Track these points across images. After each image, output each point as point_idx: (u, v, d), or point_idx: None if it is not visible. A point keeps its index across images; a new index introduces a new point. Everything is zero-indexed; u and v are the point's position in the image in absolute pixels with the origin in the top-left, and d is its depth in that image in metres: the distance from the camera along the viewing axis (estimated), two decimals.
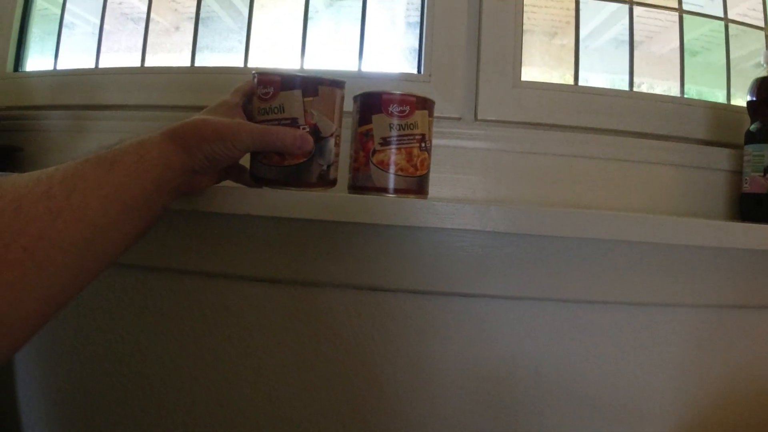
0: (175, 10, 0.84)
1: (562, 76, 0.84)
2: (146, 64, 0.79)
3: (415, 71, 0.74)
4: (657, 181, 0.72)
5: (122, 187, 0.35)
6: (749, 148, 0.67)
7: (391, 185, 0.48)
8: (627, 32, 0.82)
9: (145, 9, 0.80)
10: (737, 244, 0.50)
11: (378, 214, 0.45)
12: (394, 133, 0.48)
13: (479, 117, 0.71)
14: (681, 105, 0.77)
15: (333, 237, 0.53)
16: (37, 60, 0.83)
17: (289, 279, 0.55)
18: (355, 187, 0.50)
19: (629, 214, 0.50)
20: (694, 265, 0.56)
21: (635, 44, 0.82)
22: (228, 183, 0.50)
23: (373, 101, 0.48)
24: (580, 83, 0.80)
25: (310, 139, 0.45)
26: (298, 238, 0.54)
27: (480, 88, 0.71)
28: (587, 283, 0.55)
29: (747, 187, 0.67)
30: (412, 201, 0.47)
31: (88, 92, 0.76)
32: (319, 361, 0.55)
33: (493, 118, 0.72)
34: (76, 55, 0.81)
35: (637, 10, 0.82)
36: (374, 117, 0.48)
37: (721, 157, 0.73)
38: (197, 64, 0.78)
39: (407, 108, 0.48)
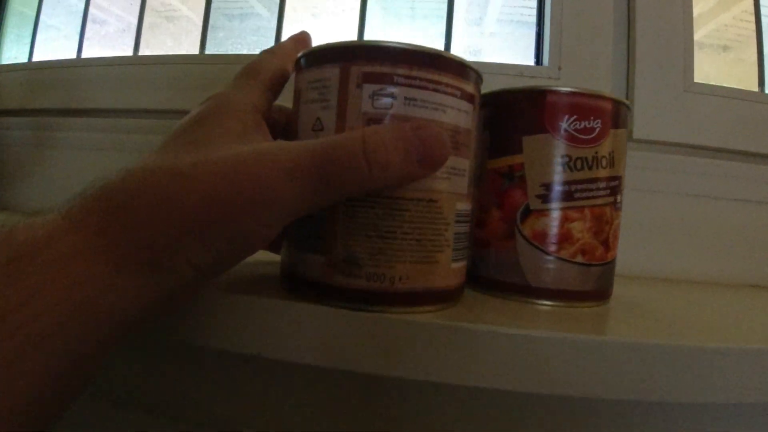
0: None
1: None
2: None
3: (531, 62, 0.49)
4: None
5: None
6: None
7: (556, 283, 0.23)
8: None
9: None
10: None
11: (512, 379, 0.19)
12: (569, 175, 0.23)
13: (633, 135, 0.46)
14: None
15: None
16: (14, 52, 0.63)
17: None
18: (480, 279, 0.25)
19: None
20: None
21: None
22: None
23: (525, 106, 0.24)
24: None
25: (446, 142, 0.19)
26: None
27: (636, 91, 0.46)
28: None
29: None
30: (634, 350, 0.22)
31: (66, 91, 0.55)
32: None
33: (653, 138, 0.46)
34: (59, 43, 0.60)
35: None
36: (527, 140, 0.23)
37: None
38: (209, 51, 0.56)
39: (597, 123, 0.23)
